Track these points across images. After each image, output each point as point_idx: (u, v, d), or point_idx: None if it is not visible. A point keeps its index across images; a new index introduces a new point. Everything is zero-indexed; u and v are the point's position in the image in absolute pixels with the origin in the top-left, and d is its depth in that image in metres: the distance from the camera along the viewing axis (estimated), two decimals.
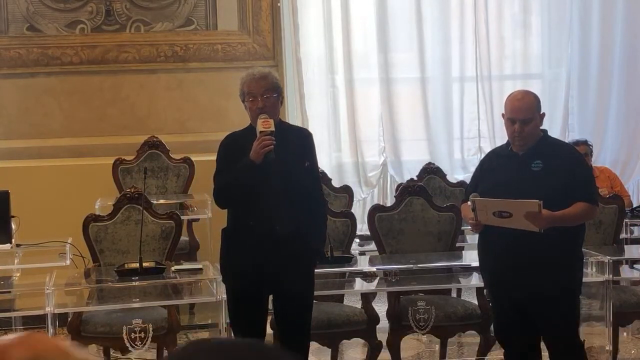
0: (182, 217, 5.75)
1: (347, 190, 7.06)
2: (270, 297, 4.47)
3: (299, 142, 4.37)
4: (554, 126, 8.20)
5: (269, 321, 4.65)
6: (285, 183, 4.24)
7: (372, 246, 5.96)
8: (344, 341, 5.50)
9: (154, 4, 7.87)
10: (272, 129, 4.19)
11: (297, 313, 4.39)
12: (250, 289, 4.30)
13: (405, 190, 5.80)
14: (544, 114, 4.41)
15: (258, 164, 4.16)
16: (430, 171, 7.29)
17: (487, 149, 7.81)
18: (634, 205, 7.30)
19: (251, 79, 4.31)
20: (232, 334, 4.55)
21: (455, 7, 8.35)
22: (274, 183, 4.22)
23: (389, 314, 5.32)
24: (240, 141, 4.32)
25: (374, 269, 5.58)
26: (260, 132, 4.19)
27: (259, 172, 4.17)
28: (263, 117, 4.21)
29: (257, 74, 4.33)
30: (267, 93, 4.28)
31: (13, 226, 5.74)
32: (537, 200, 4.13)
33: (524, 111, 4.32)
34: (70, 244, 5.69)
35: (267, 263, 4.25)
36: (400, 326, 5.28)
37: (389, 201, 7.65)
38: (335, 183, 7.25)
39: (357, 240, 6.25)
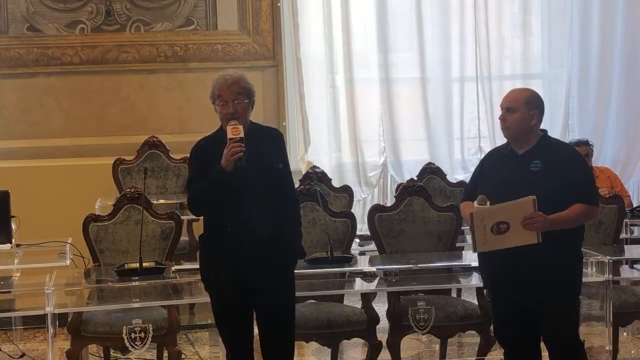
0: (182, 217, 5.74)
1: (347, 190, 7.06)
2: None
3: (270, 143, 4.34)
4: (554, 126, 8.21)
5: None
6: (261, 185, 4.21)
7: (372, 246, 5.95)
8: (344, 341, 5.50)
9: (154, 4, 7.88)
10: (242, 135, 4.15)
11: (280, 313, 4.35)
12: (233, 292, 4.28)
13: (405, 190, 5.80)
14: (535, 113, 4.38)
15: (229, 171, 4.14)
16: (430, 171, 7.29)
17: (487, 149, 7.81)
18: (634, 205, 7.30)
19: (223, 82, 4.27)
20: (220, 338, 4.53)
21: (455, 7, 8.35)
22: (250, 186, 4.19)
23: (389, 314, 5.32)
24: (211, 146, 4.29)
25: (374, 269, 5.58)
26: (230, 139, 4.15)
27: (234, 177, 4.15)
28: (232, 123, 4.18)
29: (230, 79, 4.28)
30: (238, 98, 4.24)
31: (13, 226, 5.74)
32: (532, 196, 4.13)
33: (510, 100, 4.38)
34: (70, 244, 5.69)
35: (247, 266, 4.23)
36: (400, 326, 5.28)
37: (389, 201, 7.65)
38: (335, 183, 7.25)
39: (357, 240, 6.24)
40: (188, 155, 7.26)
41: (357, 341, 5.78)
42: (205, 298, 4.99)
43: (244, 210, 4.20)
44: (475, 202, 4.32)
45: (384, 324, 5.44)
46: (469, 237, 6.52)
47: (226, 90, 4.25)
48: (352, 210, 6.30)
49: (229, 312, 4.34)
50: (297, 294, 4.47)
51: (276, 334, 4.36)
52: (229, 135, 4.16)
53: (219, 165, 4.15)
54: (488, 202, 4.27)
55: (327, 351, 5.54)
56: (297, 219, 4.46)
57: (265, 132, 4.42)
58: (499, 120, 4.42)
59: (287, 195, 4.37)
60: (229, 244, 4.24)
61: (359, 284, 5.59)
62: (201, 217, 7.01)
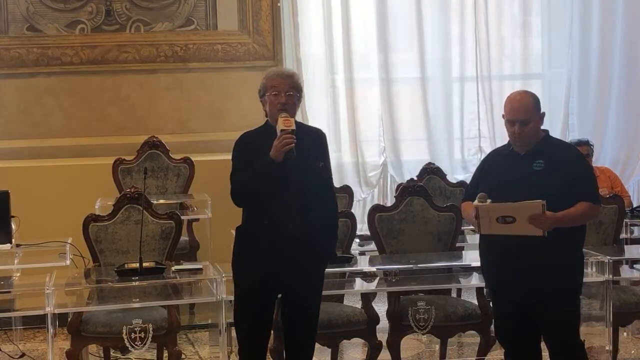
0: (182, 217, 5.74)
1: (347, 190, 7.05)
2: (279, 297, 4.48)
3: (314, 142, 4.40)
4: (554, 126, 8.20)
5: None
6: (300, 183, 4.26)
7: (372, 246, 5.95)
8: (344, 341, 5.50)
9: (154, 4, 7.88)
10: (293, 127, 4.22)
11: (305, 314, 4.40)
12: (261, 288, 4.32)
13: (405, 190, 5.80)
14: (543, 113, 4.40)
15: (278, 162, 4.17)
16: (430, 171, 7.29)
17: (487, 149, 7.83)
18: (634, 205, 7.31)
19: (279, 74, 4.37)
20: (235, 334, 4.55)
21: (455, 7, 8.36)
22: (290, 183, 4.24)
23: (389, 314, 5.32)
24: (256, 140, 4.34)
25: (374, 269, 5.57)
26: (282, 130, 4.20)
27: (281, 169, 4.19)
28: (284, 115, 4.24)
29: (286, 71, 4.43)
30: (291, 90, 4.32)
31: (13, 226, 5.73)
32: (541, 201, 4.12)
33: (522, 112, 4.32)
34: (70, 244, 5.68)
35: (279, 263, 4.27)
36: (400, 326, 5.28)
37: (389, 201, 7.65)
38: (336, 183, 7.18)
39: (357, 240, 6.24)
40: (188, 155, 7.43)
41: (357, 341, 5.78)
42: (205, 298, 5.00)
43: (280, 206, 4.24)
44: (476, 200, 4.31)
45: (384, 324, 5.44)
46: (469, 237, 6.54)
47: (281, 82, 4.32)
48: (352, 210, 6.30)
49: (251, 308, 4.36)
50: None
51: (299, 333, 4.43)
52: (281, 126, 4.21)
53: (267, 156, 4.18)
54: (488, 200, 4.26)
55: (327, 351, 5.54)
56: (333, 221, 4.51)
57: (309, 131, 4.50)
58: (515, 135, 4.32)
59: (324, 196, 4.40)
60: (263, 239, 4.28)
61: (359, 284, 5.59)
62: (202, 218, 7.05)
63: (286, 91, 4.30)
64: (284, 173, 4.20)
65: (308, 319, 4.42)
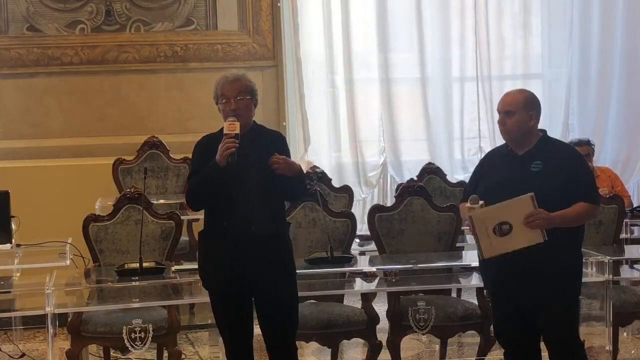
0: (182, 217, 5.74)
1: (347, 190, 7.06)
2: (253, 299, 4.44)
3: (272, 144, 4.35)
4: (554, 126, 8.21)
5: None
6: (259, 183, 4.23)
7: (372, 246, 5.95)
8: (344, 341, 5.50)
9: (154, 4, 7.88)
10: (237, 131, 4.18)
11: (281, 314, 4.35)
12: (231, 290, 4.29)
13: (405, 190, 5.80)
14: (537, 114, 4.39)
15: (222, 167, 4.16)
16: (430, 171, 7.29)
17: (487, 149, 7.81)
18: (634, 205, 7.30)
19: (224, 81, 4.31)
20: (220, 336, 4.53)
21: (455, 7, 8.36)
22: (247, 183, 4.22)
23: (389, 314, 5.32)
24: (212, 143, 4.30)
25: (374, 269, 5.58)
26: (225, 134, 4.19)
27: (232, 173, 4.17)
28: (230, 119, 4.22)
29: (231, 77, 4.33)
30: (240, 95, 4.28)
31: (13, 226, 5.74)
32: (529, 194, 4.13)
33: (507, 104, 4.42)
34: (70, 244, 5.68)
35: (245, 264, 4.24)
36: (400, 326, 5.28)
37: (389, 201, 7.65)
38: (335, 183, 7.24)
39: (357, 240, 6.24)
40: (188, 155, 7.42)
41: (357, 341, 5.78)
42: (205, 298, 4.99)
43: (241, 207, 4.22)
44: (467, 202, 4.32)
45: (384, 324, 5.44)
46: (469, 237, 6.53)
47: (228, 88, 4.29)
48: (352, 210, 6.30)
49: (227, 310, 4.35)
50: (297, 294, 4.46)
51: (277, 332, 4.37)
52: (225, 130, 4.20)
53: (214, 160, 4.18)
54: (481, 202, 4.26)
55: (327, 351, 5.54)
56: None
57: (268, 133, 4.46)
58: (498, 124, 4.42)
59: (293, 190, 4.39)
60: (227, 241, 4.25)
61: (359, 284, 5.59)
62: (202, 218, 7.04)
63: (235, 96, 4.26)
64: (239, 175, 4.17)
65: (284, 319, 4.36)
